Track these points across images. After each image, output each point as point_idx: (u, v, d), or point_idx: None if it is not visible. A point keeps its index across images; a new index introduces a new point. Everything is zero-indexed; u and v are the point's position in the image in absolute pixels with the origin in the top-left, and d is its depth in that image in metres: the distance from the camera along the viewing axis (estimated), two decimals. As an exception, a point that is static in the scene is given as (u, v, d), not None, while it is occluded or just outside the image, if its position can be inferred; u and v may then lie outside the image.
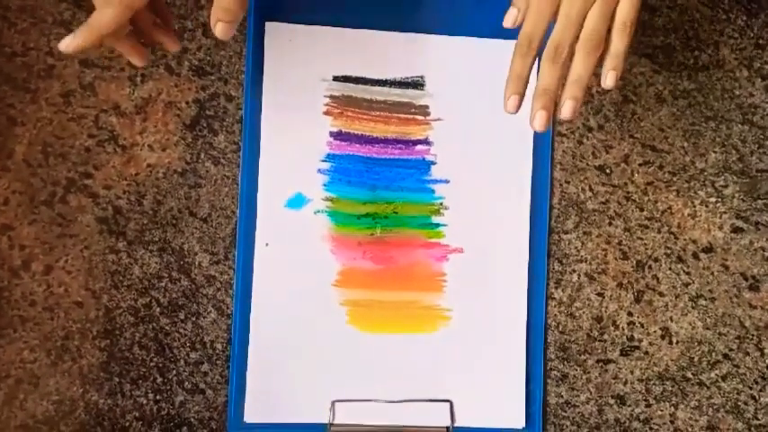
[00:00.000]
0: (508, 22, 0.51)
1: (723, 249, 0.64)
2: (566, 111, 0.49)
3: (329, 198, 0.61)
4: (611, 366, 0.63)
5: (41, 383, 0.59)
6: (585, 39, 0.48)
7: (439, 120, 0.62)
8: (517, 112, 0.50)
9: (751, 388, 0.64)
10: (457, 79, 0.62)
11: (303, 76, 0.61)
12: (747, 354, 0.64)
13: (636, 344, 0.63)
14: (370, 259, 0.61)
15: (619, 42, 0.48)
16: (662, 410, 0.63)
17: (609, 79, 0.49)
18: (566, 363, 0.63)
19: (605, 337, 0.63)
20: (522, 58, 0.49)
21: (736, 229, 0.64)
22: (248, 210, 0.60)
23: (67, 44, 0.49)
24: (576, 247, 0.63)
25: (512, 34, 0.62)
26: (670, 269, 0.64)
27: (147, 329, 0.60)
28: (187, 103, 0.61)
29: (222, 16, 0.49)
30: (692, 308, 0.64)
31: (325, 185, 0.61)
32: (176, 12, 0.61)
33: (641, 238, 0.63)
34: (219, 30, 0.49)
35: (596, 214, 0.63)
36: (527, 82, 0.49)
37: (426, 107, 0.62)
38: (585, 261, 0.63)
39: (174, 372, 0.61)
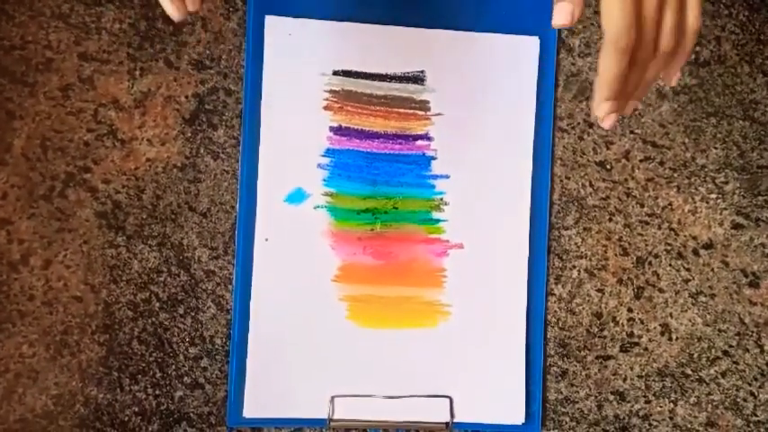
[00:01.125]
0: (562, 18, 0.43)
1: (723, 246, 0.64)
2: (629, 109, 0.47)
3: (329, 193, 0.61)
4: (610, 362, 0.63)
5: (40, 378, 0.59)
6: (665, 40, 0.44)
7: (439, 115, 0.62)
8: (614, 126, 0.47)
9: (750, 384, 0.64)
10: (457, 74, 0.62)
11: (303, 70, 0.61)
12: (747, 350, 0.64)
13: (635, 340, 0.63)
14: (370, 254, 0.61)
15: (689, 41, 0.45)
16: (661, 406, 0.63)
17: (675, 79, 0.47)
18: (565, 359, 0.63)
19: (605, 333, 0.63)
20: (621, 55, 0.43)
21: (736, 226, 0.64)
22: (248, 205, 0.60)
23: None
24: (576, 243, 0.63)
25: (512, 29, 0.62)
26: (670, 265, 0.63)
27: (147, 324, 0.60)
28: (186, 97, 0.61)
29: None
30: (692, 304, 0.64)
31: (324, 180, 0.61)
32: (176, 5, 0.61)
33: (641, 235, 0.63)
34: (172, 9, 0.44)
35: (597, 210, 0.63)
36: (621, 87, 0.45)
37: (427, 102, 0.62)
38: (585, 257, 0.63)
39: (174, 366, 0.60)
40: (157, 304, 0.60)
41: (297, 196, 0.61)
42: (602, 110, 0.45)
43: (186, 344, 0.61)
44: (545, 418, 0.63)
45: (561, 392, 0.63)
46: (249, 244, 0.60)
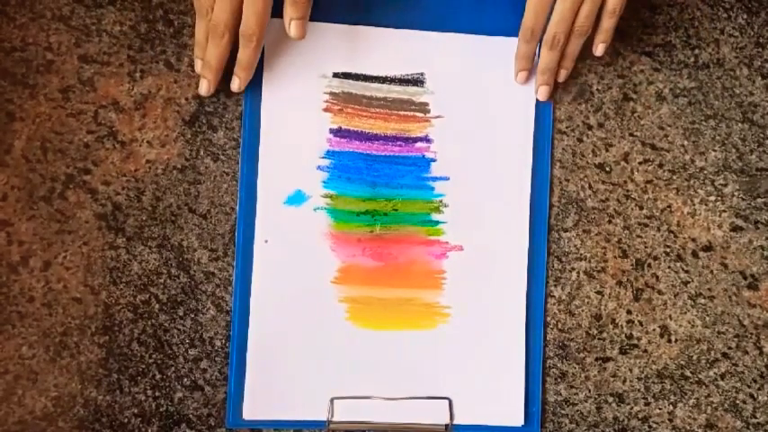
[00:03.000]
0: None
1: (722, 248, 0.64)
2: (561, 77, 0.62)
3: (329, 195, 0.61)
4: (609, 364, 0.63)
5: (40, 379, 0.59)
6: (577, 28, 0.59)
7: (439, 117, 0.62)
8: (526, 83, 0.62)
9: (749, 386, 0.64)
10: (457, 76, 0.62)
11: (303, 72, 0.61)
12: (746, 352, 0.64)
13: (635, 342, 0.63)
14: (370, 256, 0.61)
15: (607, 22, 0.59)
16: (660, 409, 0.63)
17: (599, 50, 0.61)
18: (564, 361, 0.63)
19: (604, 335, 0.63)
20: (527, 43, 0.60)
21: (735, 228, 0.64)
22: (248, 206, 0.60)
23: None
24: (575, 245, 0.63)
25: (512, 32, 0.62)
26: (669, 267, 0.64)
27: (146, 326, 0.60)
28: (186, 99, 0.61)
29: (293, 13, 0.56)
30: (691, 306, 0.64)
31: (324, 182, 0.61)
32: (176, 8, 0.61)
33: (641, 237, 0.63)
34: (293, 29, 0.57)
35: (596, 212, 0.63)
36: (532, 60, 0.61)
37: (426, 104, 0.62)
38: (585, 259, 0.63)
39: (173, 368, 0.60)
40: (157, 306, 0.60)
41: (296, 198, 0.61)
42: (521, 77, 0.62)
43: (186, 345, 0.61)
44: (544, 420, 0.63)
45: (560, 394, 0.63)
46: (249, 246, 0.60)
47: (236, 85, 0.59)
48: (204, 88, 0.59)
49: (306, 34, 0.57)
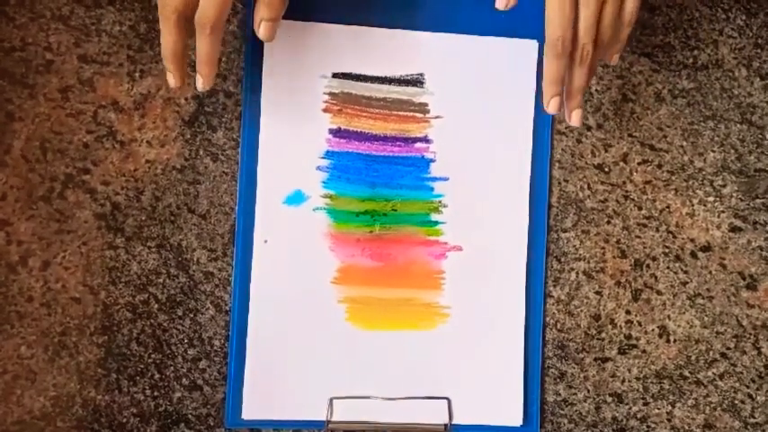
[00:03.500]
0: (501, 3, 0.53)
1: (721, 248, 0.64)
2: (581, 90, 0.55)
3: (328, 195, 0.61)
4: (608, 365, 0.63)
5: (38, 379, 0.59)
6: (601, 39, 0.52)
7: (438, 117, 0.62)
8: (559, 112, 0.55)
9: (748, 387, 0.64)
10: (457, 77, 0.62)
11: (302, 72, 0.61)
12: (744, 352, 0.64)
13: (633, 342, 0.63)
14: (369, 256, 0.61)
15: (624, 33, 0.54)
16: (659, 409, 0.63)
17: (615, 60, 0.56)
18: (563, 361, 0.63)
19: (603, 335, 0.63)
20: (558, 59, 0.52)
21: (734, 229, 0.64)
22: (247, 206, 0.60)
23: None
24: (574, 246, 0.63)
25: (511, 32, 0.62)
26: (668, 268, 0.64)
27: (145, 326, 0.60)
28: (186, 99, 0.61)
29: (265, 13, 0.52)
30: (690, 306, 0.64)
31: (324, 183, 0.61)
32: (176, 7, 0.61)
33: (639, 237, 0.64)
34: (263, 30, 0.52)
35: (595, 213, 0.63)
36: (563, 83, 0.54)
37: (426, 105, 0.62)
38: (584, 259, 0.63)
39: (172, 368, 0.60)
40: (156, 306, 0.60)
41: (296, 198, 0.61)
42: (554, 106, 0.54)
43: (185, 345, 0.61)
44: (543, 420, 0.63)
45: (559, 394, 0.63)
46: (248, 246, 0.60)
47: (199, 83, 0.53)
48: (171, 81, 0.54)
49: (275, 37, 0.53)
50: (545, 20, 0.51)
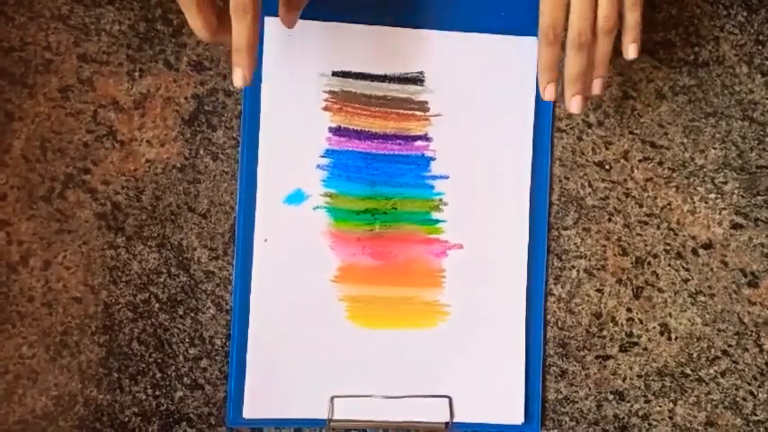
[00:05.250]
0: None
1: (722, 245, 0.64)
2: (597, 88, 0.56)
3: (328, 194, 0.61)
4: (609, 362, 0.63)
5: (40, 379, 0.59)
6: (602, 22, 0.52)
7: (438, 115, 0.62)
8: (555, 98, 0.55)
9: (750, 384, 0.64)
10: (457, 75, 0.62)
11: (302, 71, 0.61)
12: (746, 350, 0.64)
13: (635, 340, 0.63)
14: (370, 255, 0.61)
15: (631, 17, 0.53)
16: (661, 406, 0.63)
17: (631, 51, 0.54)
18: (565, 359, 0.63)
19: (604, 333, 0.63)
20: (550, 47, 0.53)
21: (735, 226, 0.64)
22: (247, 205, 0.60)
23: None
24: (575, 243, 0.63)
25: (511, 30, 0.62)
26: (669, 265, 0.64)
27: (146, 325, 0.60)
28: (186, 98, 0.61)
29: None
30: (691, 304, 0.64)
31: (324, 181, 0.61)
32: (176, 7, 0.61)
33: (640, 235, 0.63)
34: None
35: (596, 210, 0.63)
36: (557, 69, 0.54)
37: (426, 103, 0.62)
38: (585, 257, 0.63)
39: (173, 367, 0.61)
40: (157, 305, 0.60)
41: (296, 197, 0.61)
42: (549, 93, 0.55)
43: (186, 344, 0.61)
44: (544, 418, 0.63)
45: (560, 392, 0.63)
46: (248, 245, 0.60)
47: (239, 76, 0.51)
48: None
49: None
50: (539, 8, 0.52)
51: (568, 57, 0.53)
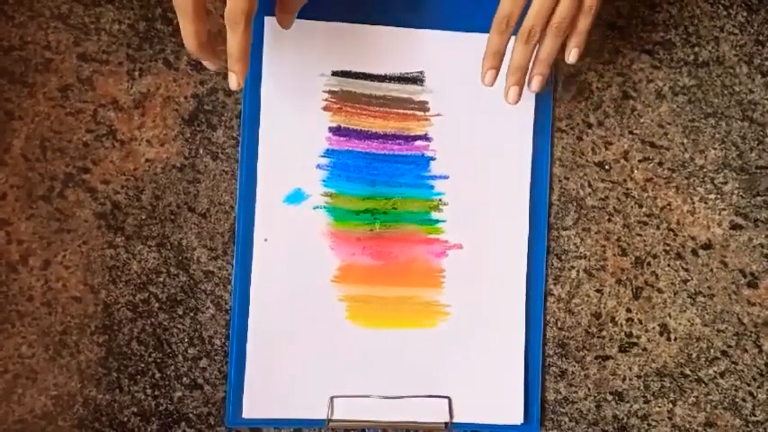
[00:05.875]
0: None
1: (722, 246, 0.64)
2: (534, 85, 0.58)
3: (328, 194, 0.61)
4: (609, 363, 0.63)
5: (39, 378, 0.59)
6: (556, 23, 0.54)
7: (438, 115, 0.62)
8: (493, 84, 0.57)
9: (749, 384, 0.64)
10: (456, 75, 0.62)
11: (302, 71, 0.61)
12: (745, 350, 0.64)
13: (634, 340, 0.63)
14: (369, 255, 0.61)
15: (583, 22, 0.55)
16: (660, 407, 0.63)
17: (572, 56, 0.56)
18: (564, 359, 0.63)
19: (604, 333, 0.63)
20: (500, 35, 0.55)
21: (735, 226, 0.64)
22: (247, 205, 0.60)
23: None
24: (575, 244, 0.63)
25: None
26: (669, 266, 0.64)
27: (146, 325, 0.60)
28: (185, 97, 0.61)
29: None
30: (691, 304, 0.64)
31: (324, 181, 0.61)
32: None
33: (640, 235, 0.63)
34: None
35: (595, 211, 0.63)
36: (503, 57, 0.56)
37: (426, 103, 0.62)
38: (584, 257, 0.63)
39: (173, 367, 0.60)
40: (156, 305, 0.60)
41: (296, 197, 0.61)
42: (488, 79, 0.57)
43: (185, 344, 0.61)
44: (544, 419, 0.63)
45: (560, 392, 0.63)
46: (248, 244, 0.60)
47: (234, 81, 0.53)
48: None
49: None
50: None
51: (515, 48, 0.55)
